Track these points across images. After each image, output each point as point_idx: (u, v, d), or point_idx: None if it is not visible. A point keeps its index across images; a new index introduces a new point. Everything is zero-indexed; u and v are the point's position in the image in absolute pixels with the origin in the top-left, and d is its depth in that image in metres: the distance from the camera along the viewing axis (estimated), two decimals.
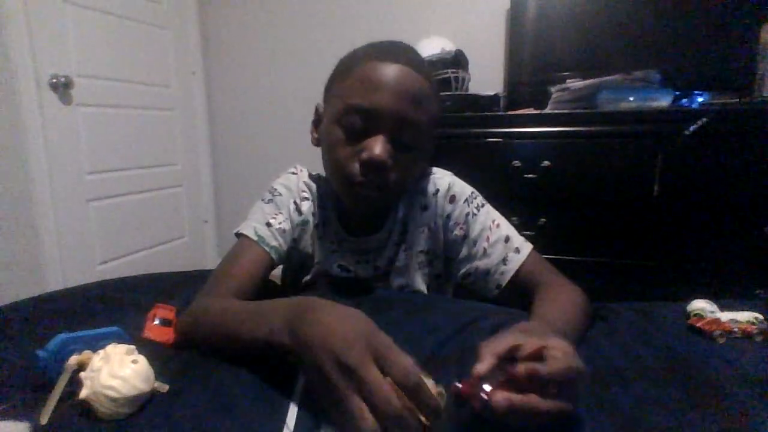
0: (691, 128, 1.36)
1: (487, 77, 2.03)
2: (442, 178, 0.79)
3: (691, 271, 1.45)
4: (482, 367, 0.37)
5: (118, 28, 2.04)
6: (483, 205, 0.77)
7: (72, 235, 1.89)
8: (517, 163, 1.54)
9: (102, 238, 2.02)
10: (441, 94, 1.74)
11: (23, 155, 1.70)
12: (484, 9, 2.05)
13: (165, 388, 0.45)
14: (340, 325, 0.38)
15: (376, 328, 0.39)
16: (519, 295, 0.71)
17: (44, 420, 0.40)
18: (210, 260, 2.66)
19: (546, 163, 1.51)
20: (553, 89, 1.64)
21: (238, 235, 0.73)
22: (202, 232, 2.62)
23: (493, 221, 0.75)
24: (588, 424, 0.41)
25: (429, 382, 0.37)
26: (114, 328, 0.51)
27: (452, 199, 0.77)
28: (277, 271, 0.83)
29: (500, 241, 0.73)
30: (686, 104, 1.49)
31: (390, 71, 0.62)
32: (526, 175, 1.53)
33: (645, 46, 1.76)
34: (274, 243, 0.72)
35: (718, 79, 1.64)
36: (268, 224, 0.73)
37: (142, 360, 0.44)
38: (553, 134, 1.52)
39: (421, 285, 0.79)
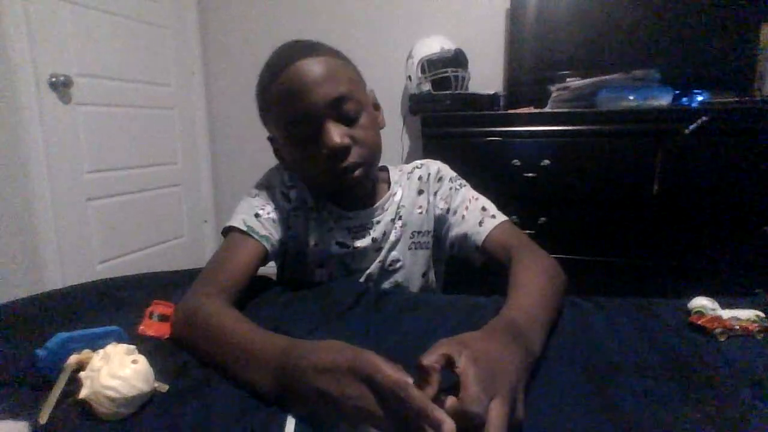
0: (691, 127, 1.36)
1: (487, 76, 2.03)
2: (432, 165, 0.88)
3: (691, 270, 1.45)
4: (429, 390, 0.37)
5: (118, 27, 2.03)
6: (465, 185, 0.86)
7: (71, 234, 1.89)
8: (516, 162, 1.54)
9: (101, 237, 2.02)
10: (441, 93, 1.75)
11: (22, 154, 1.70)
12: (484, 8, 2.04)
13: (165, 388, 0.45)
14: (323, 367, 0.40)
15: (356, 355, 0.39)
16: (497, 264, 0.74)
17: (44, 419, 0.40)
18: (209, 259, 2.65)
19: (546, 162, 1.51)
20: (552, 88, 1.64)
21: (227, 230, 0.74)
22: (202, 232, 2.62)
23: (473, 197, 0.83)
24: (587, 420, 0.41)
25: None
26: (114, 328, 0.51)
27: (439, 179, 0.86)
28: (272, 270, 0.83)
29: (477, 209, 0.80)
30: (686, 103, 1.49)
31: (294, 73, 0.65)
32: (525, 174, 1.53)
33: (645, 45, 1.76)
34: (264, 232, 0.73)
35: (717, 78, 1.64)
36: (257, 215, 0.74)
37: (142, 360, 0.44)
38: (553, 133, 1.52)
39: (410, 260, 0.83)
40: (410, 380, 0.35)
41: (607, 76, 1.53)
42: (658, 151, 1.41)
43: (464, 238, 0.79)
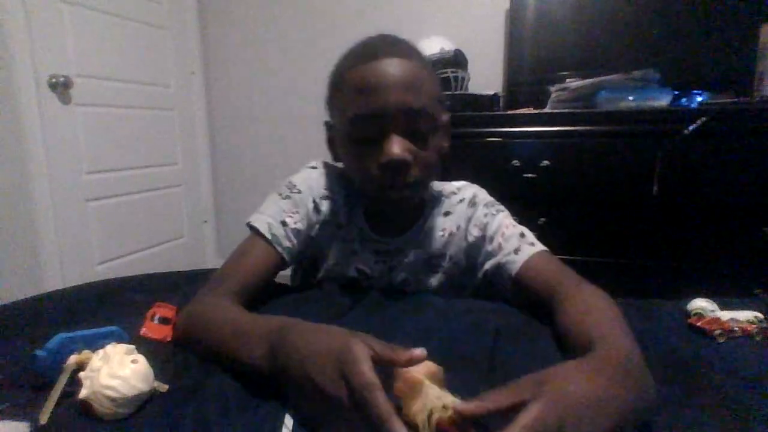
0: (691, 128, 1.36)
1: (486, 77, 2.03)
2: (467, 188, 0.82)
3: (690, 271, 1.45)
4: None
5: (118, 28, 2.03)
6: (502, 211, 0.78)
7: (71, 235, 1.89)
8: (516, 162, 1.54)
9: (101, 237, 2.02)
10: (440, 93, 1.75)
11: (22, 155, 1.70)
12: (484, 9, 2.05)
13: (164, 387, 0.45)
14: (314, 349, 0.40)
15: (347, 345, 0.38)
16: (533, 297, 0.66)
17: (44, 420, 0.40)
18: (209, 260, 2.66)
19: (545, 162, 1.51)
20: (552, 89, 1.64)
21: (251, 226, 0.71)
22: (202, 232, 2.62)
23: (511, 223, 0.76)
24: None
25: (439, 392, 0.36)
26: (113, 328, 0.51)
27: (473, 204, 0.79)
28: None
29: (515, 235, 0.72)
30: (685, 104, 1.49)
31: (377, 69, 0.61)
32: (525, 175, 1.53)
33: (644, 46, 1.76)
34: (287, 244, 0.70)
35: (717, 78, 1.64)
36: (284, 223, 0.71)
37: (142, 360, 0.44)
38: (553, 134, 1.52)
39: (421, 281, 0.79)
40: (378, 384, 0.34)
41: (606, 77, 1.53)
42: (658, 152, 1.41)
43: (497, 267, 0.72)
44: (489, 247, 0.74)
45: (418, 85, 0.62)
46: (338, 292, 0.73)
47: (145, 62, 2.18)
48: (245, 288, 0.64)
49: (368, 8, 2.21)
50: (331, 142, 0.75)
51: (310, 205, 0.74)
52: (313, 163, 0.79)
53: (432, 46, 1.88)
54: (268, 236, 0.69)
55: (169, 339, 0.58)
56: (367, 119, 0.62)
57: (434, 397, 0.35)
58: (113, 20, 2.01)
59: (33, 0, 1.68)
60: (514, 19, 1.92)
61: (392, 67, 0.61)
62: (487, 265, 0.74)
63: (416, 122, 0.62)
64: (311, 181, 0.76)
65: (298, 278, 0.85)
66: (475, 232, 0.76)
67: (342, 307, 0.67)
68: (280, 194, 0.74)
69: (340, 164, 0.76)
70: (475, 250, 0.77)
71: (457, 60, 1.84)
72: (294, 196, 0.73)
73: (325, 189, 0.76)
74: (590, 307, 0.54)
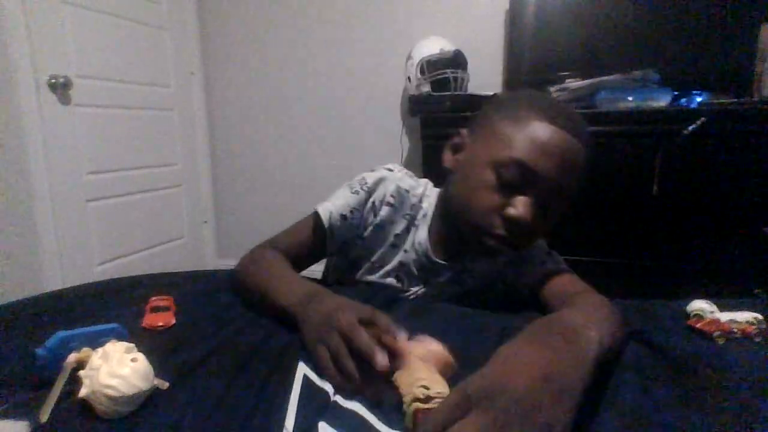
0: (690, 128, 1.36)
1: (486, 77, 2.03)
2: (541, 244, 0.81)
3: (690, 271, 1.46)
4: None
5: (117, 28, 2.04)
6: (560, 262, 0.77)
7: (71, 236, 1.89)
8: None
9: (101, 238, 2.02)
10: (440, 94, 1.75)
11: (22, 155, 1.70)
12: (484, 9, 2.05)
13: (165, 385, 0.45)
14: (332, 307, 0.51)
15: (346, 309, 0.49)
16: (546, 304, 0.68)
17: (44, 418, 0.40)
18: (209, 260, 2.66)
19: None
20: (552, 89, 1.65)
21: (316, 210, 0.75)
22: (201, 233, 2.62)
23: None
24: (589, 423, 0.41)
25: (430, 376, 0.38)
26: (113, 325, 0.51)
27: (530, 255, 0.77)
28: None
29: (542, 251, 0.76)
30: (685, 104, 1.49)
31: (560, 139, 0.61)
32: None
33: (644, 46, 1.76)
34: (340, 237, 0.76)
35: (716, 79, 1.65)
36: (344, 217, 0.74)
37: (142, 358, 0.44)
38: None
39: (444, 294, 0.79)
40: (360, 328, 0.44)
41: (606, 77, 1.54)
42: (658, 152, 1.42)
43: (516, 277, 0.75)
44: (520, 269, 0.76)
45: (577, 172, 0.64)
46: (353, 291, 0.73)
47: (144, 62, 2.18)
48: (290, 256, 0.73)
49: (368, 8, 2.21)
50: (448, 158, 0.73)
51: (370, 206, 0.76)
52: (391, 166, 0.80)
53: (432, 46, 1.88)
54: (326, 224, 0.73)
55: (173, 323, 0.61)
56: (522, 170, 0.61)
57: (419, 379, 0.38)
58: (113, 21, 2.01)
59: (33, 0, 1.68)
60: (513, 19, 1.92)
61: (570, 146, 0.62)
62: (510, 278, 0.77)
63: (555, 200, 0.64)
64: (385, 182, 0.77)
65: (333, 274, 0.86)
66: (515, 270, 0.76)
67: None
68: (351, 188, 0.76)
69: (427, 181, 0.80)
70: (511, 277, 0.78)
71: (456, 60, 1.85)
72: (363, 192, 0.76)
73: (392, 196, 0.76)
74: (578, 301, 0.59)
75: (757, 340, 0.57)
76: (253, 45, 2.43)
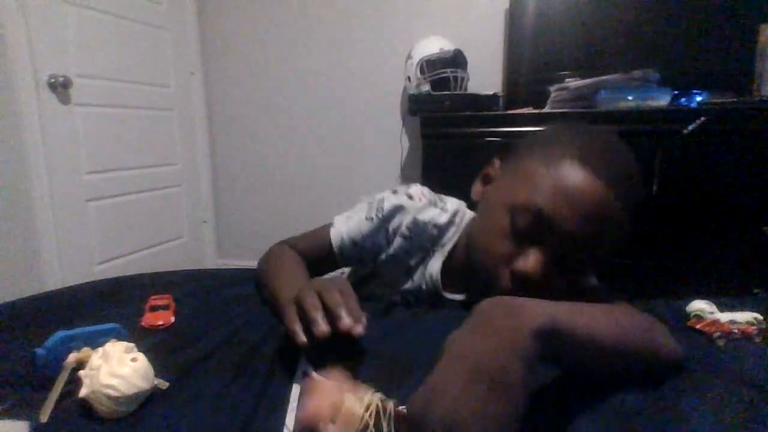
0: (690, 127, 1.36)
1: (486, 77, 2.03)
2: None
3: (690, 270, 1.46)
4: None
5: (117, 28, 2.03)
6: None
7: (70, 235, 1.88)
8: None
9: (100, 238, 2.02)
10: (440, 93, 1.75)
11: (22, 155, 1.70)
12: (484, 9, 2.05)
13: (165, 384, 0.45)
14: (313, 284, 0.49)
15: (328, 285, 0.48)
16: None
17: (44, 418, 0.40)
18: (209, 260, 2.66)
19: None
20: (552, 88, 1.65)
21: (330, 226, 0.75)
22: (201, 232, 2.62)
23: None
24: (589, 424, 0.41)
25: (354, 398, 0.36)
26: (112, 325, 0.51)
27: None
28: None
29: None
30: (685, 103, 1.49)
31: (590, 187, 0.52)
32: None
33: (644, 46, 1.76)
34: (349, 261, 0.75)
35: (716, 78, 1.65)
36: (355, 242, 0.72)
37: (142, 358, 0.44)
38: None
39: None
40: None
41: (606, 77, 1.53)
42: (657, 152, 1.42)
43: None
44: None
45: (605, 231, 0.54)
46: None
47: (144, 62, 2.18)
48: (307, 258, 0.73)
49: (368, 8, 2.21)
50: (485, 181, 0.67)
51: (383, 233, 0.72)
52: (413, 191, 0.73)
53: (431, 46, 1.88)
54: (336, 249, 0.73)
55: (173, 321, 0.61)
56: (539, 218, 0.53)
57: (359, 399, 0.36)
58: (113, 20, 2.01)
59: (32, 0, 1.68)
60: (513, 18, 1.92)
61: (600, 198, 0.52)
62: None
63: (572, 257, 0.54)
64: (398, 212, 0.71)
65: (351, 276, 0.85)
66: None
67: None
68: (368, 210, 0.72)
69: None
70: None
71: (456, 60, 1.85)
72: (376, 220, 0.71)
73: (407, 228, 0.71)
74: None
75: (758, 340, 0.57)
76: (253, 44, 2.43)
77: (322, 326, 0.43)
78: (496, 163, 0.66)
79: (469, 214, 0.74)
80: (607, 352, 0.42)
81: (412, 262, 0.72)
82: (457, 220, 0.72)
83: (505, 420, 0.32)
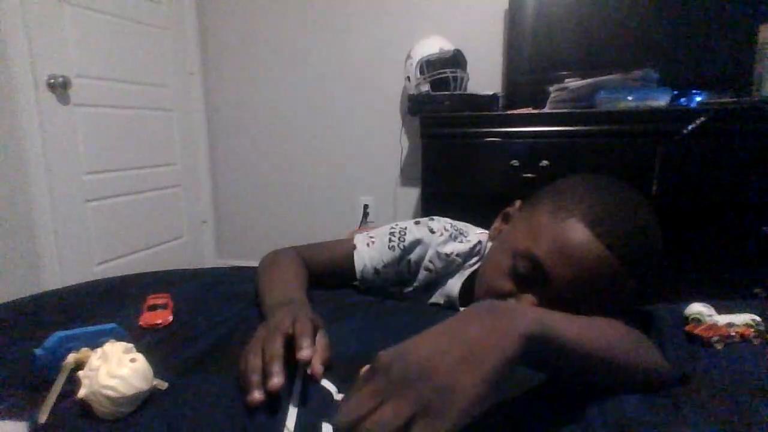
0: (690, 127, 1.36)
1: (485, 77, 2.03)
2: None
3: (690, 271, 1.46)
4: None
5: (117, 28, 2.03)
6: None
7: (70, 236, 1.88)
8: (515, 162, 1.54)
9: (100, 238, 2.01)
10: (440, 93, 1.75)
11: (21, 155, 1.70)
12: (483, 9, 2.05)
13: (164, 385, 0.45)
14: (279, 318, 0.50)
15: (301, 316, 0.49)
16: None
17: (43, 419, 0.40)
18: (208, 260, 2.65)
19: (545, 162, 1.51)
20: (551, 89, 1.64)
21: (354, 248, 0.75)
22: (201, 233, 2.62)
23: None
24: (589, 428, 0.41)
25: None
26: (111, 325, 0.51)
27: None
28: None
29: None
30: (684, 103, 1.49)
31: (590, 249, 0.51)
32: (524, 175, 1.54)
33: (643, 46, 1.76)
34: (368, 282, 0.76)
35: (716, 78, 1.65)
36: (377, 271, 0.74)
37: (141, 358, 0.44)
38: (552, 134, 1.53)
39: None
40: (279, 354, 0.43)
41: (605, 77, 1.53)
42: (657, 152, 1.42)
43: None
44: None
45: (600, 295, 0.53)
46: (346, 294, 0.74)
47: (144, 62, 2.18)
48: (314, 267, 0.74)
49: (367, 8, 2.21)
50: (505, 220, 0.69)
51: (404, 263, 0.75)
52: (435, 224, 0.76)
53: (431, 46, 1.88)
54: (358, 274, 0.74)
55: (171, 320, 0.61)
56: (535, 266, 0.55)
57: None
58: (112, 20, 2.01)
59: (32, 0, 1.68)
60: (513, 18, 1.92)
61: (597, 262, 0.51)
62: None
63: (567, 310, 0.50)
64: (418, 245, 0.74)
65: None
66: None
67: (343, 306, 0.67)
68: (390, 241, 0.75)
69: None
70: None
71: (456, 60, 1.84)
72: (397, 250, 0.74)
73: (430, 262, 0.74)
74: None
75: (756, 342, 0.57)
76: (253, 45, 2.43)
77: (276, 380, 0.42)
78: (518, 203, 0.68)
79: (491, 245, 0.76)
80: (592, 363, 0.43)
81: (437, 289, 0.76)
82: (481, 249, 0.75)
83: (469, 393, 0.32)
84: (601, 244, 0.51)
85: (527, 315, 0.38)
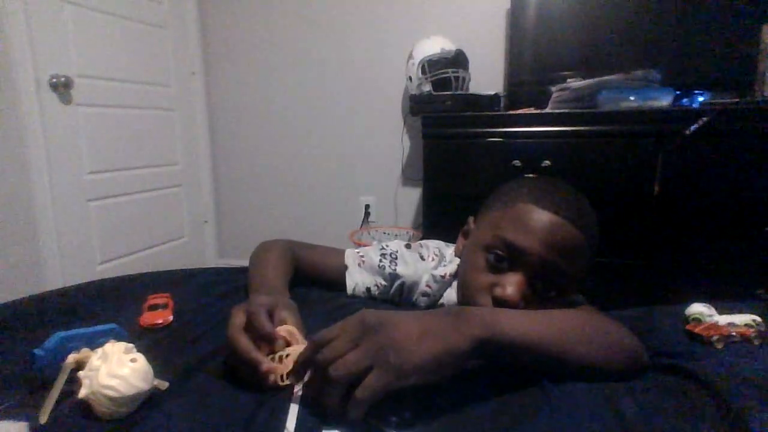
0: (692, 128, 1.36)
1: (487, 77, 2.03)
2: None
3: (691, 271, 1.45)
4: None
5: (118, 28, 2.03)
6: None
7: (72, 235, 1.89)
8: (517, 162, 1.54)
9: (102, 238, 2.02)
10: (441, 94, 1.75)
11: (23, 155, 1.70)
12: (485, 9, 2.04)
13: (165, 385, 0.45)
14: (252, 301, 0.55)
15: (280, 305, 0.54)
16: None
17: (43, 419, 0.40)
18: (210, 260, 2.66)
19: (546, 162, 1.51)
20: (553, 89, 1.64)
21: (347, 259, 0.80)
22: (202, 232, 2.62)
23: None
24: (590, 429, 0.41)
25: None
26: (111, 325, 0.51)
27: None
28: None
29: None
30: (687, 104, 1.49)
31: (545, 219, 0.60)
32: (526, 175, 1.53)
33: (645, 46, 1.75)
34: (356, 294, 0.79)
35: (718, 78, 1.64)
36: (368, 290, 0.78)
37: (141, 358, 0.44)
38: (554, 134, 1.52)
39: None
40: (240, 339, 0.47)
41: (607, 77, 1.53)
42: (659, 152, 1.41)
43: None
44: None
45: (569, 254, 0.60)
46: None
47: (145, 62, 2.18)
48: (305, 264, 0.79)
49: (369, 8, 2.21)
50: (465, 236, 0.74)
51: (396, 285, 0.79)
52: (424, 251, 0.82)
53: (432, 46, 1.88)
54: (349, 291, 0.78)
55: (171, 320, 0.62)
56: (508, 248, 0.61)
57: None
58: (114, 20, 2.01)
59: (34, 0, 1.68)
60: (514, 18, 1.92)
61: (558, 227, 0.60)
62: None
63: (546, 280, 0.61)
64: (409, 271, 0.79)
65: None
66: None
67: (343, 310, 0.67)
68: (379, 263, 0.79)
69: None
70: None
71: (457, 60, 1.84)
72: (387, 270, 0.79)
73: (427, 286, 0.78)
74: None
75: (756, 342, 0.57)
76: (254, 44, 2.43)
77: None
78: (471, 219, 0.74)
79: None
80: (544, 354, 0.49)
81: (424, 301, 0.79)
82: None
83: (419, 359, 0.42)
84: (551, 213, 0.60)
85: (484, 320, 0.46)
